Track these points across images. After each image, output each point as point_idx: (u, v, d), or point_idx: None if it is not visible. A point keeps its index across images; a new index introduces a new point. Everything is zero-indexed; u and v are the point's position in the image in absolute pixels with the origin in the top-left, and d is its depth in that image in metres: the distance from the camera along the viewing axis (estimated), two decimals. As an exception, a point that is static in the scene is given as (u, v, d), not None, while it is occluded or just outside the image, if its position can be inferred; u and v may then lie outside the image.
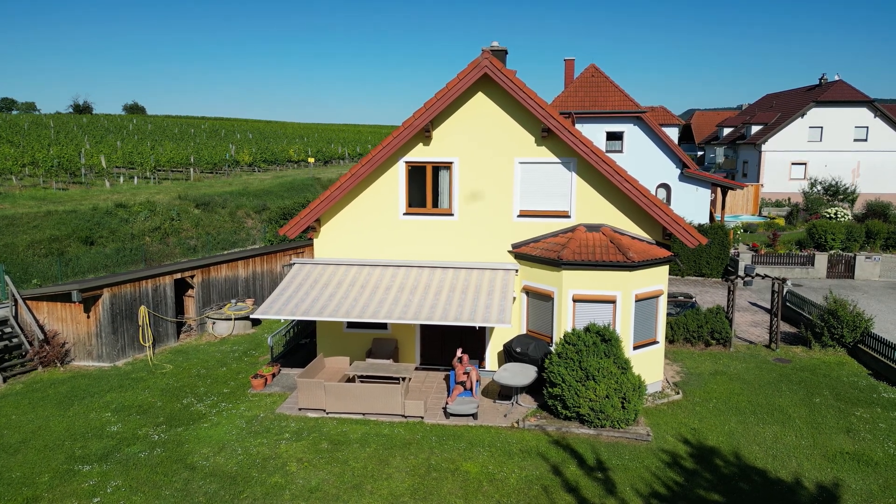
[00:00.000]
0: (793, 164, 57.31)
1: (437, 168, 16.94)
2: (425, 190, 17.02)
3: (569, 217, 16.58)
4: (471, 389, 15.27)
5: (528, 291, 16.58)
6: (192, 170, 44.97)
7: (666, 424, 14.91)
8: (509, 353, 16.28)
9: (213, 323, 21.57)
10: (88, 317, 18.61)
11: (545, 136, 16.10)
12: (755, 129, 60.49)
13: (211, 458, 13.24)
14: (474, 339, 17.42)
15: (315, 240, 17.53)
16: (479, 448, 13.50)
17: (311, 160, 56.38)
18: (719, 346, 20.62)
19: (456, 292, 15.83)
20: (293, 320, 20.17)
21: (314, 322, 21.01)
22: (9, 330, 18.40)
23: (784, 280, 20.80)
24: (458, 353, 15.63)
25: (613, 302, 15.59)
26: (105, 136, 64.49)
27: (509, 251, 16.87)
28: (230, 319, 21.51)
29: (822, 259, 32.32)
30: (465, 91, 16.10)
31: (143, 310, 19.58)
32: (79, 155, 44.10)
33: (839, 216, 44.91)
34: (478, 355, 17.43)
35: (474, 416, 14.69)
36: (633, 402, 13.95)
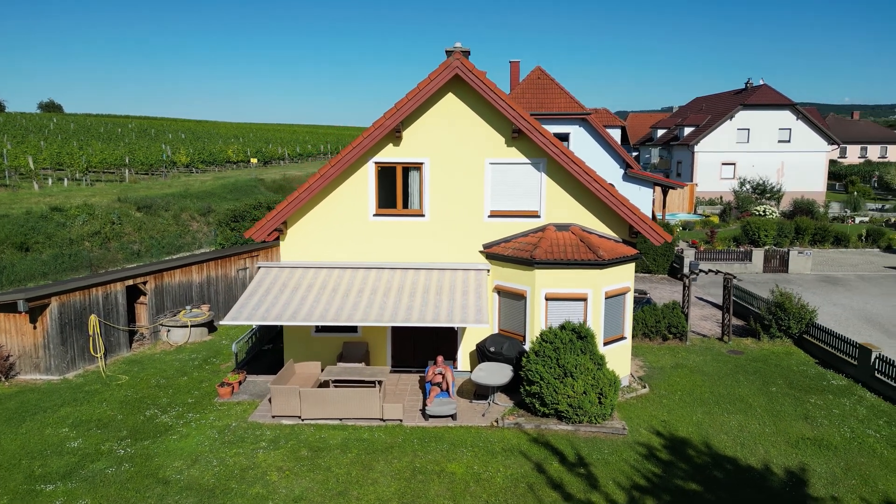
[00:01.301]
0: (723, 164, 59.88)
1: (408, 169, 16.82)
2: (395, 191, 16.88)
3: (538, 217, 16.78)
4: (447, 390, 15.23)
5: (500, 291, 16.68)
6: (126, 171, 43.02)
7: (637, 418, 15.29)
8: (483, 353, 16.34)
9: (168, 331, 20.72)
10: (35, 327, 17.54)
11: (516, 136, 16.24)
12: (687, 130, 62.88)
13: (185, 472, 12.71)
14: (447, 340, 17.39)
15: (282, 242, 17.10)
16: (462, 449, 13.49)
17: (254, 161, 54.89)
18: (676, 339, 21.31)
19: (430, 293, 15.76)
20: (254, 327, 19.61)
21: (276, 327, 20.52)
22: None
23: (734, 276, 21.71)
24: (438, 362, 15.58)
25: (585, 300, 15.88)
26: (26, 136, 60.96)
27: (480, 251, 16.93)
28: (186, 326, 20.71)
29: (758, 254, 33.89)
30: (436, 92, 16.04)
31: (93, 318, 18.60)
32: (0, 155, 41.50)
33: (768, 213, 47.30)
34: (450, 356, 17.40)
35: (453, 416, 14.67)
36: (609, 397, 14.25)
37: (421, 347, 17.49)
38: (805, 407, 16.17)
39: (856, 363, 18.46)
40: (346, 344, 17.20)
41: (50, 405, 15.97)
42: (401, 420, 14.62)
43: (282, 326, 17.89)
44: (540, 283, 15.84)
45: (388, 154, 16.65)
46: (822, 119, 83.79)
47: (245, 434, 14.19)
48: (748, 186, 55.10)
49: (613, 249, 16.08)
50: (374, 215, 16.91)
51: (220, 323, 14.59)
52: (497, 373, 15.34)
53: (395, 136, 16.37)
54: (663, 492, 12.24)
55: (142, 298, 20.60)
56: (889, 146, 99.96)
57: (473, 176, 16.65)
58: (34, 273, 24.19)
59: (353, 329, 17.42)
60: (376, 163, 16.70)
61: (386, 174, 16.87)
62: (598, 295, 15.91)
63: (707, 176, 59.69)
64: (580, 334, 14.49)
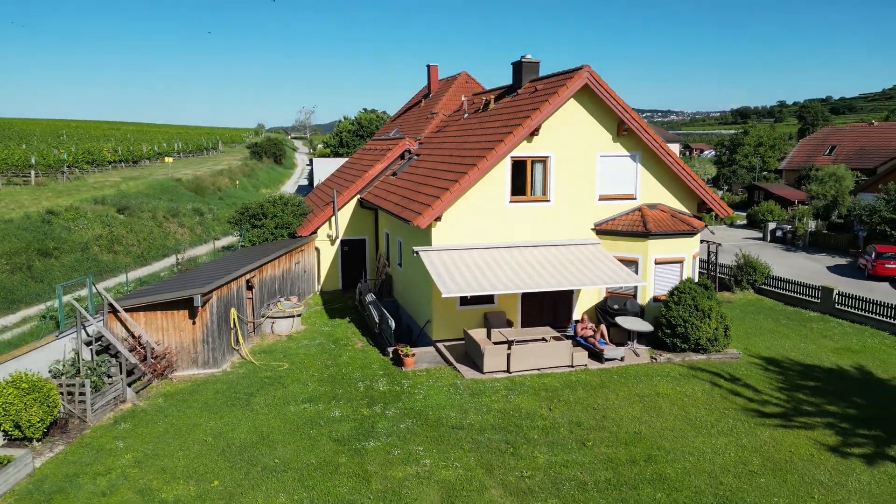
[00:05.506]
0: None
1: (534, 162, 19.99)
2: (525, 180, 19.96)
3: (634, 199, 20.94)
4: (603, 339, 18.84)
5: (612, 260, 20.53)
6: (32, 173, 38.84)
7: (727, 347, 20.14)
8: (605, 311, 20.13)
9: (273, 322, 21.44)
10: (194, 323, 17.76)
11: (624, 133, 20.23)
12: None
13: (467, 418, 14.92)
14: (564, 305, 20.87)
15: (433, 229, 19.26)
16: (654, 379, 17.28)
17: (169, 160, 51.38)
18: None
19: (575, 264, 19.17)
20: (377, 311, 21.26)
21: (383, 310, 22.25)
22: (104, 343, 16.76)
23: (720, 244, 27.81)
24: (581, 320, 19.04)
25: (682, 262, 20.43)
26: None
27: (592, 229, 20.66)
28: (293, 317, 21.61)
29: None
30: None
31: (233, 312, 19.07)
32: None
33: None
34: (568, 317, 20.90)
35: (622, 359, 18.35)
36: (731, 329, 18.94)
37: (544, 311, 20.74)
38: (814, 330, 22.32)
39: (819, 301, 25.28)
40: (488, 313, 19.92)
41: (250, 391, 16.67)
42: (586, 365, 17.95)
43: (429, 304, 20.00)
44: (652, 251, 20.05)
45: (521, 150, 19.68)
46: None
47: (479, 387, 16.56)
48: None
49: (696, 222, 20.82)
50: (510, 202, 19.83)
51: (444, 295, 16.68)
52: (636, 323, 19.27)
53: (533, 134, 19.46)
54: (800, 388, 17.15)
55: (248, 293, 21.07)
56: (669, 145, 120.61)
57: (588, 167, 20.32)
58: (69, 280, 22.83)
59: (491, 300, 20.16)
60: (512, 157, 19.64)
61: (517, 167, 19.86)
62: (689, 258, 20.56)
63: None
64: (705, 286, 19.00)
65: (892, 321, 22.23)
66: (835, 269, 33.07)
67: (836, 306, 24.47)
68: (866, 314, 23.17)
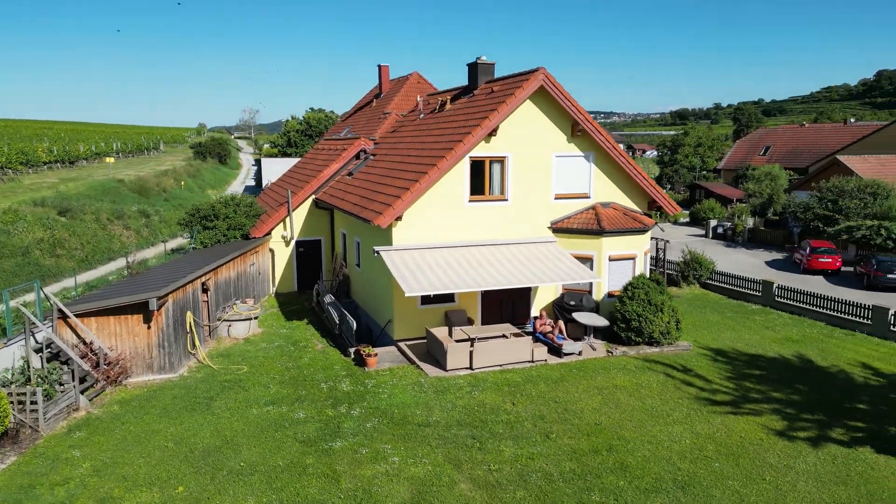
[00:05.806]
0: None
1: (493, 162, 20.29)
2: (484, 180, 20.23)
3: (588, 198, 21.49)
4: (562, 335, 19.28)
5: (568, 257, 21.02)
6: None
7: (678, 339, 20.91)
8: (562, 307, 20.60)
9: (230, 325, 21.08)
10: (149, 327, 17.33)
11: (578, 134, 20.73)
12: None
13: (433, 415, 15.07)
14: (523, 302, 21.23)
15: (394, 229, 19.31)
16: (611, 371, 17.79)
17: (111, 160, 49.44)
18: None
19: (535, 261, 19.54)
20: (338, 313, 21.16)
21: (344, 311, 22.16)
22: (53, 350, 16.19)
23: (667, 241, 28.77)
24: (540, 314, 19.45)
25: (634, 258, 21.08)
26: None
27: (548, 227, 21.09)
28: (250, 320, 21.29)
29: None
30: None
31: (189, 316, 18.68)
32: None
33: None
34: (526, 314, 21.27)
35: (580, 353, 18.81)
36: (682, 322, 19.66)
37: (503, 309, 21.06)
38: (758, 322, 23.39)
39: (760, 294, 26.46)
40: (449, 312, 20.10)
41: (208, 396, 16.38)
42: (545, 360, 18.33)
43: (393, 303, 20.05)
44: (606, 248, 20.62)
45: (479, 150, 19.93)
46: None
47: (443, 385, 16.71)
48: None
49: (646, 220, 21.51)
50: (469, 201, 20.07)
51: (408, 294, 16.76)
52: (593, 319, 19.78)
53: (491, 135, 19.74)
54: (747, 377, 17.97)
55: (203, 296, 20.65)
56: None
57: (544, 166, 20.74)
58: (11, 286, 21.90)
59: (452, 299, 20.33)
60: (471, 157, 19.88)
61: (476, 167, 20.11)
62: (641, 254, 21.23)
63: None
64: (657, 281, 19.67)
65: (827, 312, 23.50)
66: (772, 264, 34.67)
67: (776, 299, 25.68)
68: (804, 306, 24.42)
